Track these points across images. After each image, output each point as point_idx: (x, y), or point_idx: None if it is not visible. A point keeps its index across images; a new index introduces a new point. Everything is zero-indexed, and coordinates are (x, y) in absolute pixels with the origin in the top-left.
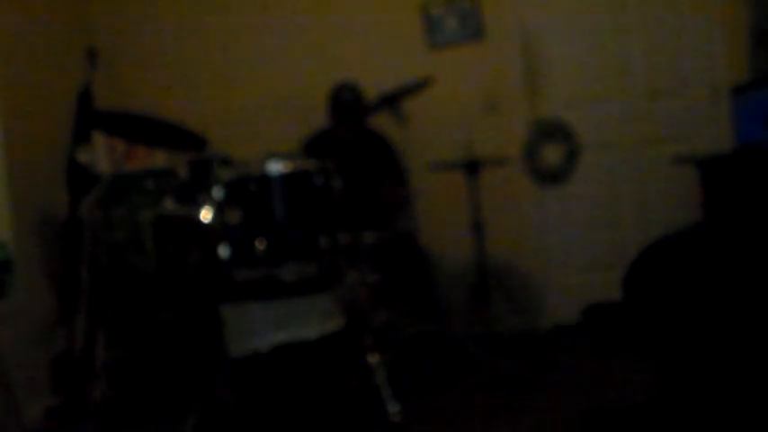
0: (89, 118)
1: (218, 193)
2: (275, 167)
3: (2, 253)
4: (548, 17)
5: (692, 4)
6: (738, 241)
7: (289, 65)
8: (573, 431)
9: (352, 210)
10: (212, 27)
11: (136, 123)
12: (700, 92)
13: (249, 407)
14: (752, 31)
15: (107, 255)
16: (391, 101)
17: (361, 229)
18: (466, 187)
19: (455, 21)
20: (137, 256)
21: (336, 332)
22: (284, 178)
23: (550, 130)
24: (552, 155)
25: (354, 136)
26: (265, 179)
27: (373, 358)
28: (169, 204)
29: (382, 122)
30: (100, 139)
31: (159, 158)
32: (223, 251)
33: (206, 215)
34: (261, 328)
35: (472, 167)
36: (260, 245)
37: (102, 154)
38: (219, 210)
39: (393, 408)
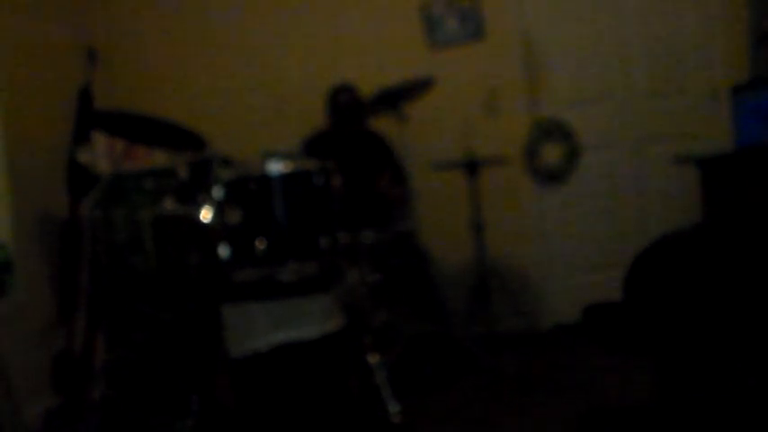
0: (89, 118)
1: (218, 192)
2: (275, 167)
3: (2, 253)
4: (548, 17)
5: (691, 3)
6: (739, 241)
7: (289, 65)
8: (573, 431)
9: (352, 209)
10: (212, 27)
11: (136, 123)
12: (700, 92)
13: (249, 407)
14: (752, 31)
15: (107, 255)
16: (392, 98)
17: (361, 228)
18: (466, 187)
19: (455, 20)
20: (137, 256)
21: (336, 332)
22: (284, 178)
23: (550, 130)
24: (552, 154)
25: (353, 136)
26: (265, 179)
27: (373, 358)
28: (169, 204)
29: (382, 123)
30: (100, 139)
31: (159, 158)
32: (223, 251)
33: (206, 215)
34: (261, 329)
35: (472, 167)
36: (260, 245)
37: (102, 154)
38: (219, 210)
39: (393, 408)
